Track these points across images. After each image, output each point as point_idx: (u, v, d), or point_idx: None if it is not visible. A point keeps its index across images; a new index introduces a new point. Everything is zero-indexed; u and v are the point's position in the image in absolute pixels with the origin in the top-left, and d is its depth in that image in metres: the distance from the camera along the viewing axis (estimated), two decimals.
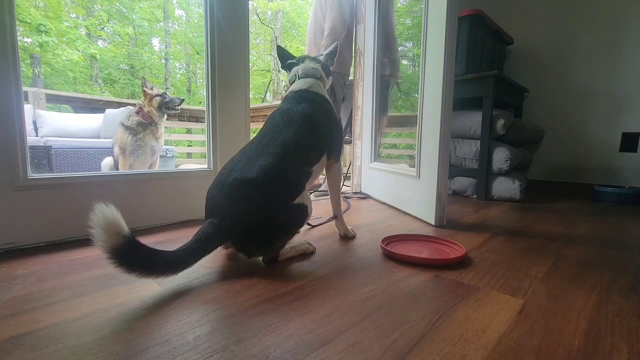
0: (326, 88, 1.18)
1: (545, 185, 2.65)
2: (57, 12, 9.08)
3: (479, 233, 1.28)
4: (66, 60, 8.96)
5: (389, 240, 1.08)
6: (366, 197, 2.06)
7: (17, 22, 0.98)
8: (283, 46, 1.24)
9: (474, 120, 2.14)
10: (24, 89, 1.98)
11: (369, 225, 1.36)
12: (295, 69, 1.15)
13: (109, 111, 3.52)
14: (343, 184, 2.30)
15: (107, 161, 2.24)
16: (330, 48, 1.25)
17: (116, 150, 2.09)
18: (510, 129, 2.11)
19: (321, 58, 1.21)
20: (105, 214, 0.63)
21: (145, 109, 2.16)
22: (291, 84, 1.13)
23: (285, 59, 1.21)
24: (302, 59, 1.18)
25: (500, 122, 2.06)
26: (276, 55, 1.27)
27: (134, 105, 3.63)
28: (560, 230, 1.38)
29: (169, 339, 0.55)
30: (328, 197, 1.22)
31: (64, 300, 0.68)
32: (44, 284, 0.75)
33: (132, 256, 0.66)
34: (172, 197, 1.32)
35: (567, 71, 2.53)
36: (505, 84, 2.24)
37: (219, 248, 0.89)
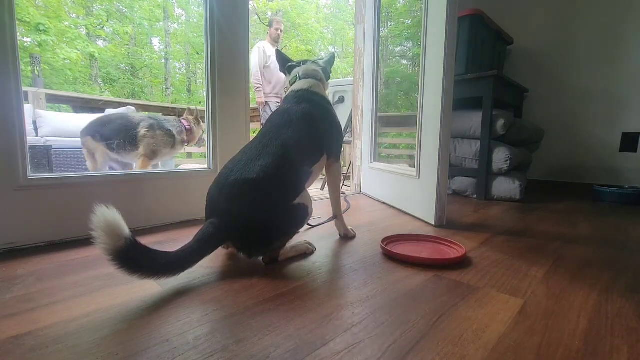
0: (326, 91, 1.19)
1: (545, 185, 2.65)
2: (57, 11, 9.08)
3: (479, 233, 1.28)
4: (64, 59, 8.95)
5: (389, 240, 1.08)
6: (366, 197, 2.06)
7: (17, 22, 0.97)
8: (282, 48, 1.25)
9: (474, 120, 2.14)
10: (24, 89, 1.98)
11: (369, 225, 1.36)
12: (296, 70, 1.16)
13: (109, 111, 3.51)
14: (343, 184, 2.30)
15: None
16: (329, 57, 1.27)
17: (142, 150, 2.12)
18: (510, 129, 2.11)
19: (321, 62, 1.23)
20: (106, 216, 0.63)
21: (194, 133, 2.39)
22: (291, 85, 1.14)
23: (285, 61, 1.22)
24: (302, 62, 1.20)
25: (500, 122, 2.06)
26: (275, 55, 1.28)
27: (132, 105, 3.64)
28: (560, 230, 1.38)
29: (169, 339, 0.55)
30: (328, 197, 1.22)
31: (64, 300, 0.68)
32: (44, 284, 0.75)
33: (134, 258, 0.67)
34: (172, 197, 1.32)
35: (567, 71, 2.53)
36: (505, 84, 2.24)
37: (219, 248, 0.89)
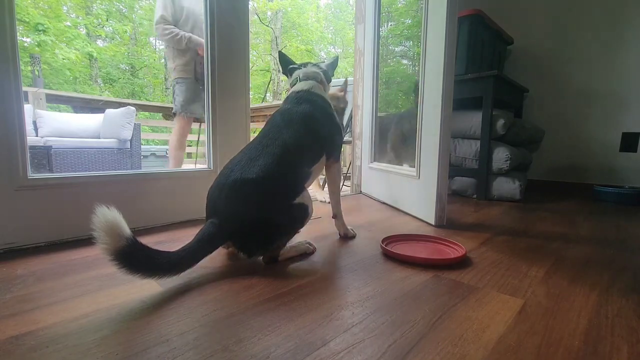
0: (327, 93, 1.19)
1: (545, 185, 2.65)
2: (55, 11, 9.09)
3: (479, 233, 1.28)
4: (64, 59, 8.95)
5: (389, 240, 1.08)
6: (366, 197, 2.06)
7: (17, 22, 0.97)
8: (282, 47, 1.26)
9: (474, 120, 2.14)
10: (24, 89, 1.98)
11: (369, 225, 1.36)
12: (297, 72, 1.17)
13: (109, 111, 3.51)
14: (343, 184, 2.30)
15: None
16: (332, 60, 1.28)
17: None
18: (510, 129, 2.11)
19: (323, 65, 1.23)
20: (107, 216, 0.64)
21: None
22: (292, 87, 1.15)
23: (287, 64, 1.23)
24: (304, 64, 1.20)
25: (500, 122, 2.06)
26: (277, 56, 1.28)
27: (132, 105, 3.63)
28: (560, 230, 1.38)
29: (169, 339, 0.55)
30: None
31: (64, 300, 0.68)
32: (44, 284, 0.75)
33: (135, 258, 0.67)
34: (173, 197, 1.32)
35: (567, 71, 2.53)
36: (505, 84, 2.24)
37: (219, 248, 0.89)
